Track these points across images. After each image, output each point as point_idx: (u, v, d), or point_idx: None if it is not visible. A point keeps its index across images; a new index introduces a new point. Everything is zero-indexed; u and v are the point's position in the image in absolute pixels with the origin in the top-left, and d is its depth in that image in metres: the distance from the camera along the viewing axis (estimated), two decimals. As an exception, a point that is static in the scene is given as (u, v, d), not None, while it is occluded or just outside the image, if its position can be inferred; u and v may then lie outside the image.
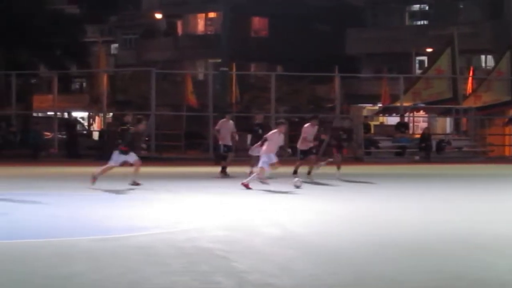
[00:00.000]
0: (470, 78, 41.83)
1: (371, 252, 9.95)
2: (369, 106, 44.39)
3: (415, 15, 53.84)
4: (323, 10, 53.28)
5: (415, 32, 50.38)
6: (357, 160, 32.45)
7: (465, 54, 44.75)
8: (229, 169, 22.52)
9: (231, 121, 23.24)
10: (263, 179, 18.53)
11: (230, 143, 22.84)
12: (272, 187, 18.33)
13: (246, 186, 18.14)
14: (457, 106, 37.45)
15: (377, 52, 49.73)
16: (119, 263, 8.85)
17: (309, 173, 20.85)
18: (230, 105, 36.50)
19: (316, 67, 41.59)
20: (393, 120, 39.27)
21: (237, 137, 23.71)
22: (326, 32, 53.41)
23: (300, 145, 21.30)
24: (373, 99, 43.88)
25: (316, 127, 21.25)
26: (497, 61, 42.26)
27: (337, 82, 37.43)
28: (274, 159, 18.68)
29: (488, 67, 47.83)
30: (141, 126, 20.22)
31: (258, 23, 58.86)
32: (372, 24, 53.39)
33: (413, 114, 39.58)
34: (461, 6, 51.04)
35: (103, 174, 18.44)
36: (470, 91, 40.22)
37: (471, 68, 44.53)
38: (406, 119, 36.69)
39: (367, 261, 9.34)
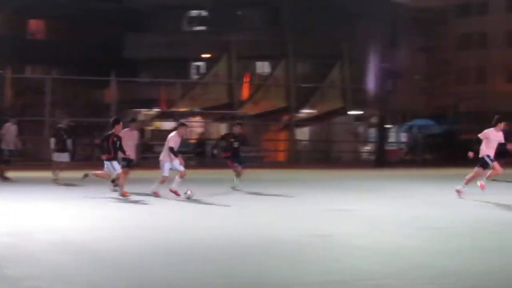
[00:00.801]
0: (246, 84, 43.63)
1: (150, 257, 10.59)
2: (145, 111, 44.97)
3: (193, 21, 55.02)
4: (102, 13, 53.22)
5: (194, 38, 51.54)
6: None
7: (243, 60, 46.49)
8: (18, 174, 22.80)
9: (14, 126, 23.39)
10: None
11: (13, 148, 23.11)
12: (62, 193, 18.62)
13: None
14: (233, 112, 38.96)
15: (156, 57, 50.40)
16: None
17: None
18: (13, 109, 35.85)
19: (95, 71, 41.64)
20: (170, 125, 40.16)
21: (20, 143, 23.75)
22: (105, 35, 53.43)
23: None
24: (152, 104, 44.53)
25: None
26: (273, 68, 44.39)
27: (113, 86, 37.76)
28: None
29: (264, 74, 49.95)
30: None
31: (35, 25, 57.75)
32: (152, 28, 53.99)
33: (190, 119, 40.68)
34: (240, 13, 52.87)
35: None
36: (247, 97, 41.97)
37: (248, 75, 46.42)
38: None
39: (145, 265, 9.93)
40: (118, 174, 19.19)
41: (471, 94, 60.91)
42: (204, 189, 21.25)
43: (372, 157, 40.27)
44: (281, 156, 41.10)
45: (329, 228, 14.64)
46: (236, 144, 21.72)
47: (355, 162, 39.92)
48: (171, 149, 19.16)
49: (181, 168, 19.43)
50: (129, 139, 20.94)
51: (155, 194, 19.24)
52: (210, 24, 52.75)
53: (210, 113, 40.45)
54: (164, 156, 19.46)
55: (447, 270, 10.61)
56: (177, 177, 19.41)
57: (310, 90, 41.97)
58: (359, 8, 44.41)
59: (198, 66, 52.26)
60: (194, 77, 49.02)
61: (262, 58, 50.78)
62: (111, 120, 20.16)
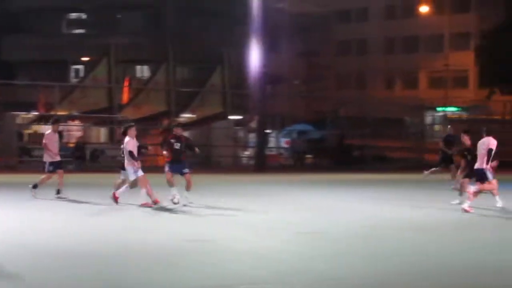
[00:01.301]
0: (126, 88, 44.21)
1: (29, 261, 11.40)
2: (23, 114, 44.94)
3: (73, 24, 55.07)
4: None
5: (72, 41, 51.67)
6: (10, 168, 33.00)
7: (123, 64, 47.02)
8: None
9: None
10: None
11: None
12: None
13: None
14: (113, 116, 39.44)
15: (35, 59, 50.31)
16: None
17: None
18: None
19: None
20: (48, 128, 40.24)
21: None
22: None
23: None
24: (30, 107, 44.51)
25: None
26: (154, 72, 45.07)
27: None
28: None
29: (144, 78, 50.56)
30: None
31: None
32: (30, 30, 53.78)
33: (69, 123, 40.90)
34: (120, 16, 53.33)
35: None
36: (127, 101, 42.53)
37: (128, 78, 46.99)
38: (60, 128, 37.85)
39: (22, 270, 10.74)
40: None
41: (351, 100, 62.96)
42: (85, 193, 21.95)
43: (252, 162, 41.15)
44: (162, 161, 41.65)
45: (210, 233, 15.27)
46: (177, 146, 20.32)
47: (235, 166, 40.70)
48: (130, 154, 19.35)
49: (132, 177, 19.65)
50: (55, 140, 21.50)
51: (146, 205, 19.46)
52: (90, 27, 52.95)
53: (90, 117, 40.79)
54: (127, 163, 19.54)
55: (325, 275, 11.29)
56: (126, 185, 19.83)
57: (191, 95, 42.81)
58: (239, 13, 45.61)
59: (77, 69, 52.40)
60: (74, 80, 49.19)
61: (142, 62, 51.44)
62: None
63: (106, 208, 18.87)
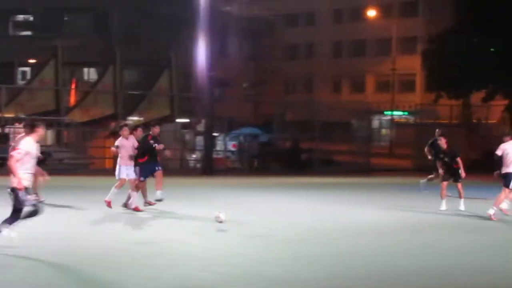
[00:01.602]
0: (73, 91, 44.60)
1: None
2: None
3: (20, 25, 55.06)
4: None
5: (19, 43, 51.66)
6: None
7: (70, 66, 47.31)
8: None
9: None
10: None
11: None
12: None
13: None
14: (60, 118, 39.79)
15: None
16: None
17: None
18: None
19: None
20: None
21: None
22: None
23: None
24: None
25: None
26: (101, 75, 45.46)
27: None
28: None
29: (91, 80, 50.89)
30: None
31: None
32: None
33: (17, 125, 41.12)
34: (66, 19, 53.56)
35: None
36: (74, 103, 42.93)
37: (75, 81, 47.38)
38: (6, 130, 38.11)
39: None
40: None
41: (298, 103, 63.85)
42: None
43: (199, 165, 41.67)
44: (109, 163, 42.13)
45: (158, 237, 15.48)
46: (158, 146, 20.10)
47: (183, 170, 41.10)
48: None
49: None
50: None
51: (136, 209, 19.83)
52: (37, 29, 53.00)
53: (37, 120, 40.91)
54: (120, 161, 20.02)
55: (274, 278, 11.64)
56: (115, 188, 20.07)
57: (138, 98, 43.23)
58: (187, 16, 46.21)
59: (24, 72, 52.44)
60: (20, 82, 49.26)
61: (90, 64, 51.70)
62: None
63: (51, 211, 18.93)
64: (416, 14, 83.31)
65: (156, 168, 20.26)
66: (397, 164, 51.61)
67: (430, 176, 26.70)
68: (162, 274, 11.71)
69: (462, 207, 22.06)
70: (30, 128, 13.81)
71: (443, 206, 22.06)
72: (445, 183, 22.49)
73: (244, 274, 11.95)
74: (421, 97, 72.46)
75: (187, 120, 45.25)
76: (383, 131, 76.19)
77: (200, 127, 43.24)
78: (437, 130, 26.84)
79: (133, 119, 43.27)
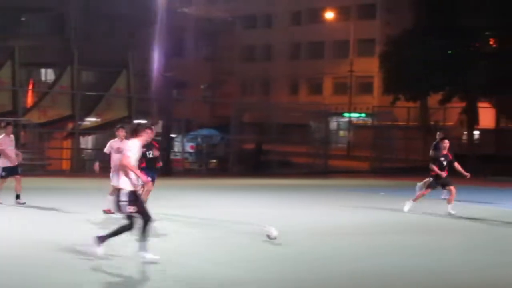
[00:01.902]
0: (30, 91, 44.73)
1: None
2: None
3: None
4: None
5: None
6: None
7: (27, 67, 47.41)
8: None
9: None
10: None
11: None
12: None
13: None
14: (17, 119, 39.96)
15: None
16: None
17: None
18: None
19: None
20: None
21: None
22: None
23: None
24: None
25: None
26: (58, 76, 45.56)
27: None
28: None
29: (48, 81, 50.91)
30: None
31: None
32: None
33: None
34: (23, 19, 53.53)
35: None
36: (31, 104, 43.07)
37: (31, 81, 47.43)
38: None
39: None
40: None
41: (256, 105, 64.48)
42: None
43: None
44: (66, 165, 42.28)
45: (113, 239, 15.22)
46: (150, 154, 19.45)
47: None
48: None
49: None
50: (10, 144, 21.44)
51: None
52: (-7, 30, 52.96)
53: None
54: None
55: (228, 279, 11.96)
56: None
57: (96, 99, 43.46)
58: (145, 17, 46.60)
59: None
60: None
61: (47, 65, 51.67)
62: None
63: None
64: (373, 17, 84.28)
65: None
66: (355, 166, 52.48)
67: (426, 180, 25.32)
68: (115, 278, 11.89)
69: (451, 210, 22.22)
70: (134, 132, 13.67)
71: (407, 207, 22.51)
72: (429, 190, 22.83)
73: (198, 275, 12.25)
74: (379, 99, 73.46)
75: (145, 121, 45.45)
76: (341, 133, 77.23)
77: (158, 128, 43.52)
78: (438, 133, 26.81)
79: (91, 120, 43.50)
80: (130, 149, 13.35)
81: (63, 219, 19.14)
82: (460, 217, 21.71)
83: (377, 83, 78.12)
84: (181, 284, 11.69)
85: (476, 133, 59.56)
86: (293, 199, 26.96)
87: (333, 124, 67.91)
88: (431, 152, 25.00)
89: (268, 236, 15.82)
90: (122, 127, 20.63)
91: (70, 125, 42.67)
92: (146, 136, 13.64)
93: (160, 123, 40.80)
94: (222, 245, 15.61)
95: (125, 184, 13.15)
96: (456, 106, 59.86)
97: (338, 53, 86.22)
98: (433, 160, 23.15)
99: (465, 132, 60.53)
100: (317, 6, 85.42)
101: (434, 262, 14.25)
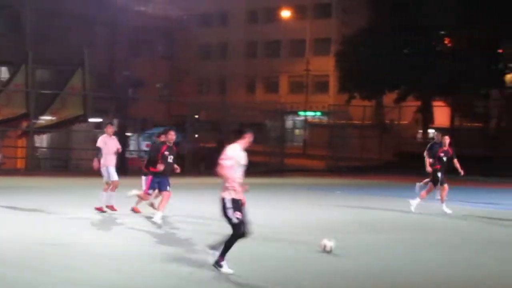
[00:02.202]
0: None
1: None
2: None
3: None
4: None
5: None
6: None
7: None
8: None
9: None
10: None
11: None
12: None
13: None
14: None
15: None
16: None
17: None
18: None
19: None
20: None
21: None
22: None
23: None
24: None
25: None
26: (13, 74, 45.36)
27: None
28: None
29: (3, 79, 50.64)
30: None
31: None
32: None
33: None
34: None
35: None
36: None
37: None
38: None
39: None
40: None
41: (212, 104, 64.66)
42: None
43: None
44: (20, 163, 42.16)
45: (70, 237, 15.71)
46: (170, 158, 18.77)
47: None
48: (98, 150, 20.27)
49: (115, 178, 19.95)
50: None
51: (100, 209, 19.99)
52: None
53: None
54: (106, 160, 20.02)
55: (184, 273, 12.23)
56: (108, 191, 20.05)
57: (50, 97, 43.33)
58: (101, 15, 46.63)
59: None
60: None
61: (2, 63, 51.37)
62: None
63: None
64: (329, 16, 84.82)
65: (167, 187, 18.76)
66: (311, 164, 52.93)
67: (426, 180, 24.96)
68: (74, 274, 11.97)
69: (446, 209, 22.54)
70: (237, 134, 12.85)
71: (414, 206, 22.61)
72: (434, 186, 22.94)
73: (154, 272, 12.37)
74: (335, 98, 74.05)
75: (100, 120, 45.47)
76: (297, 131, 77.69)
77: (114, 127, 43.38)
78: (436, 133, 25.71)
79: (46, 118, 43.37)
80: (226, 157, 12.47)
81: (20, 217, 19.17)
82: (420, 214, 22.28)
83: (333, 82, 78.70)
84: (137, 281, 11.82)
85: (431, 131, 60.35)
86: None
87: (289, 123, 68.23)
88: (425, 153, 24.14)
89: (324, 248, 14.81)
90: (111, 124, 21.29)
91: (24, 124, 42.51)
92: (249, 139, 12.78)
93: (116, 121, 40.80)
94: (181, 241, 15.84)
95: (227, 193, 12.49)
96: (411, 105, 60.66)
97: (295, 52, 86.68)
98: (431, 158, 23.07)
99: (420, 131, 61.39)
100: (273, 5, 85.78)
101: (381, 261, 14.65)
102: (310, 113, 79.46)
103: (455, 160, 23.20)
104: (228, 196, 12.40)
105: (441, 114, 63.96)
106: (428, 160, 23.27)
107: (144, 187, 19.00)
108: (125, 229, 17.55)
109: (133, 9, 49.75)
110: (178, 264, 13.15)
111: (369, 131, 57.31)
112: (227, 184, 12.44)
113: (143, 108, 50.36)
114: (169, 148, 18.58)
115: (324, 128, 61.47)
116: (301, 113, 77.74)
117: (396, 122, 60.39)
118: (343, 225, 19.68)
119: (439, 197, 23.68)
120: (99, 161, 20.47)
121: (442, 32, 56.55)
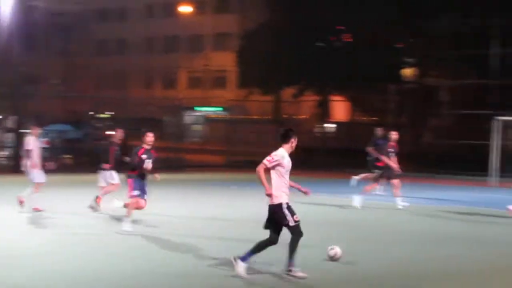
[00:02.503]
0: None
1: None
2: None
3: None
4: None
5: None
6: None
7: None
8: None
9: None
10: None
11: None
12: None
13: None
14: None
15: None
16: None
17: None
18: None
19: None
20: None
21: None
22: None
23: None
24: None
25: None
26: None
27: None
28: None
29: None
30: None
31: None
32: None
33: None
34: None
35: None
36: None
37: None
38: None
39: None
40: None
41: (109, 99, 64.31)
42: None
43: (9, 163, 41.41)
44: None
45: None
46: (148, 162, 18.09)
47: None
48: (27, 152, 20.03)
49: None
50: None
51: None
52: None
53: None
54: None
55: (102, 272, 12.47)
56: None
57: None
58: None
59: None
60: None
61: None
62: None
63: None
64: (229, 11, 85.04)
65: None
66: (210, 160, 53.29)
67: (365, 175, 24.95)
68: None
69: (400, 204, 22.64)
70: (283, 138, 12.42)
71: (358, 202, 22.75)
72: (377, 183, 23.35)
73: (67, 271, 12.44)
74: (235, 93, 74.49)
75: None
76: (196, 127, 77.85)
77: (9, 124, 42.84)
78: (378, 129, 24.97)
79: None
80: (270, 157, 12.37)
81: None
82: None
83: (232, 77, 79.08)
84: (37, 281, 11.87)
85: (333, 126, 61.34)
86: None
87: (188, 118, 68.39)
88: (370, 149, 23.87)
89: (332, 257, 14.04)
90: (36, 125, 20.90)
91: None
92: (295, 143, 12.40)
93: (11, 118, 40.36)
94: (86, 241, 16.03)
95: (280, 197, 12.25)
96: (310, 100, 61.37)
97: (193, 47, 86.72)
98: (379, 153, 23.06)
99: (318, 125, 62.32)
100: (172, 0, 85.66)
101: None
102: (208, 109, 79.62)
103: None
104: (284, 200, 12.22)
105: (340, 108, 65.00)
106: (383, 157, 23.10)
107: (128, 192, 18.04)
108: (23, 227, 17.49)
109: (29, 3, 49.13)
110: (98, 263, 13.21)
111: (266, 125, 57.79)
112: (278, 191, 12.29)
113: (40, 104, 49.83)
114: (146, 152, 17.85)
115: (222, 123, 61.82)
116: (199, 108, 77.81)
117: (294, 117, 60.95)
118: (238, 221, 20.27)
119: (380, 193, 24.20)
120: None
121: (341, 28, 57.21)
